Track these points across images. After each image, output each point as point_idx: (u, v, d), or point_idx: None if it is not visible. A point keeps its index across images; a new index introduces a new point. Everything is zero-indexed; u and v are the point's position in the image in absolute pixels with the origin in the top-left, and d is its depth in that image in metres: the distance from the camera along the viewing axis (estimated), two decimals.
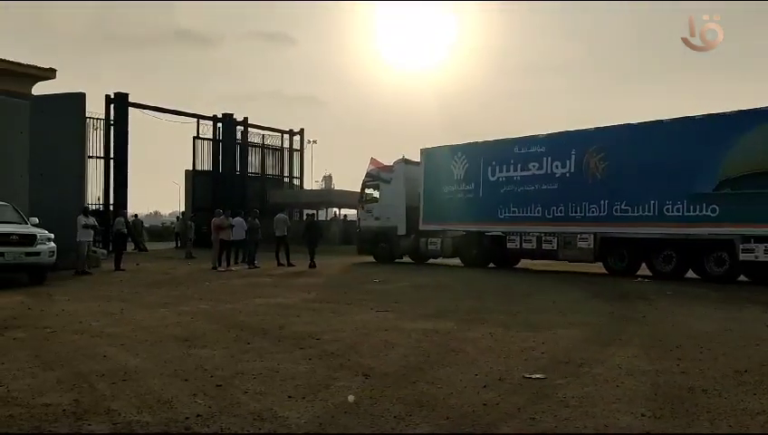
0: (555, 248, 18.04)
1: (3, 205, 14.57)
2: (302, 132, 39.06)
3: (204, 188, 33.56)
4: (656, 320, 9.62)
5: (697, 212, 15.11)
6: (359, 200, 24.16)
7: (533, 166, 18.49)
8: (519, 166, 18.86)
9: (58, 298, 11.58)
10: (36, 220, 14.60)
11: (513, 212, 18.98)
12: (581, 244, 17.35)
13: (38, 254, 13.60)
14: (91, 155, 27.33)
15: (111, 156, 28.52)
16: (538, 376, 5.86)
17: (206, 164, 34.02)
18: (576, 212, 17.47)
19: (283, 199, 34.99)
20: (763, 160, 14.33)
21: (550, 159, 18.15)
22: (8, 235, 13.24)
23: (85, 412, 4.73)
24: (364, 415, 4.74)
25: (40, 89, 22.77)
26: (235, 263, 19.86)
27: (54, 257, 14.17)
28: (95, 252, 19.83)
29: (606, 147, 17.13)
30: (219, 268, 18.54)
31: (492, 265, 20.44)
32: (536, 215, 18.39)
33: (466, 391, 5.40)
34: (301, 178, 39.79)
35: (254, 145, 36.24)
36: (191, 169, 33.97)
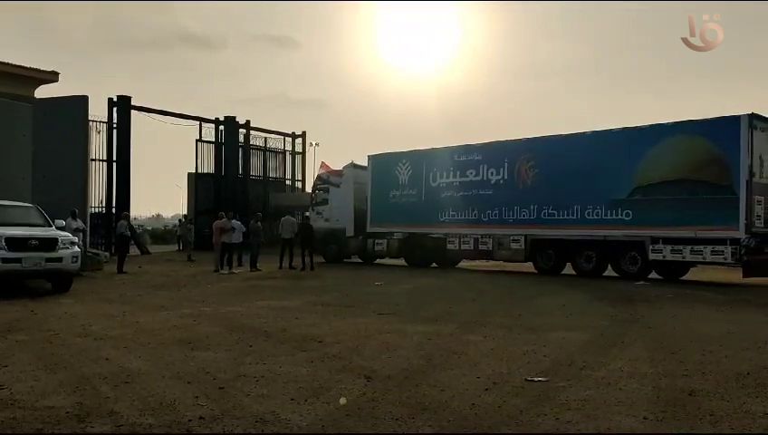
0: (490, 249, 19.32)
1: (26, 206, 13.93)
2: (304, 135, 39.14)
3: (206, 191, 33.59)
4: (658, 323, 9.62)
5: (614, 216, 16.57)
6: (310, 202, 25.15)
7: (471, 173, 19.79)
8: (458, 172, 20.16)
9: (61, 301, 11.60)
10: (63, 223, 13.89)
11: (453, 215, 20.19)
12: (514, 245, 18.66)
13: (60, 259, 12.39)
14: (93, 158, 27.38)
15: (114, 159, 28.56)
16: (540, 379, 5.87)
17: (208, 167, 34.06)
18: (509, 216, 18.77)
19: (286, 202, 35.00)
20: (669, 170, 15.84)
21: (485, 166, 19.47)
22: (26, 239, 12.11)
23: (88, 414, 4.75)
24: (366, 417, 4.75)
25: (43, 92, 22.81)
26: (238, 265, 19.86)
27: (79, 263, 13.14)
28: (98, 254, 19.86)
29: (535, 156, 18.51)
30: (221, 271, 18.55)
31: (434, 264, 21.62)
32: (473, 218, 19.61)
33: (468, 393, 5.40)
34: (303, 181, 39.85)
35: (257, 148, 36.27)
36: (193, 171, 34.01)
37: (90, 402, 5.05)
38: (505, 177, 19.01)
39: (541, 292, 14.08)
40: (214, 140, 33.86)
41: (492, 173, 19.33)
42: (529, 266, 19.19)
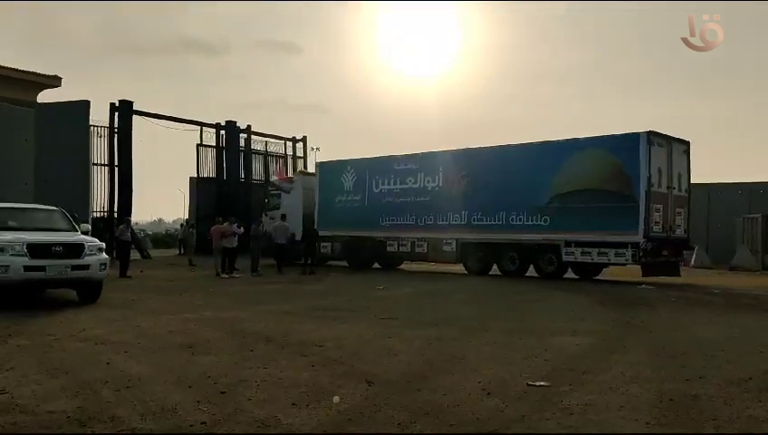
0: (426, 251, 20.76)
1: (50, 209, 13.10)
2: (304, 140, 39.09)
3: (207, 196, 33.55)
4: (660, 327, 9.61)
5: (534, 222, 18.07)
6: (263, 208, 26.02)
7: (410, 180, 21.25)
8: (398, 180, 21.63)
9: (62, 305, 11.59)
10: (88, 227, 13.21)
11: (393, 220, 21.51)
12: (446, 248, 20.05)
13: (87, 267, 11.37)
14: (95, 162, 27.39)
15: (116, 163, 28.56)
16: (542, 384, 5.86)
17: (209, 171, 34.05)
18: (442, 221, 20.12)
19: None
20: (580, 181, 17.36)
21: (423, 174, 20.93)
22: (49, 245, 11.16)
23: (89, 419, 4.74)
24: (368, 422, 4.74)
25: (45, 97, 22.89)
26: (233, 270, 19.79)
27: (107, 271, 12.19)
28: None
29: (466, 166, 19.99)
30: (223, 275, 18.55)
31: (377, 265, 22.83)
32: (411, 223, 20.92)
33: (470, 398, 5.40)
34: None
35: (258, 152, 36.26)
36: (195, 176, 34.03)
37: (91, 407, 5.05)
38: (440, 185, 20.45)
39: (542, 296, 14.06)
40: (215, 144, 33.89)
41: (428, 181, 20.81)
42: (460, 268, 20.20)
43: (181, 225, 37.61)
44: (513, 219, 18.42)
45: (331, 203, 23.22)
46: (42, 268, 10.90)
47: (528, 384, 5.84)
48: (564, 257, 17.69)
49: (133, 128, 29.06)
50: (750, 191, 28.02)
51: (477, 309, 11.82)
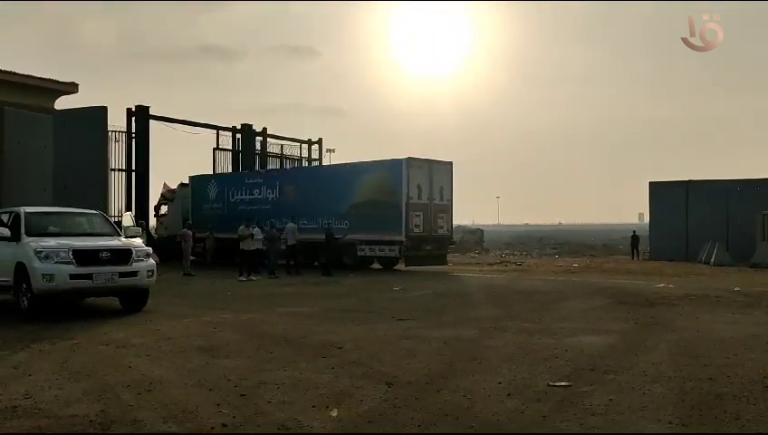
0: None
1: (91, 213, 12.65)
2: (320, 142, 39.17)
3: None
4: (681, 326, 9.51)
5: (339, 225, 22.38)
6: (155, 215, 30.15)
7: (256, 192, 26.21)
8: (248, 192, 26.56)
9: (82, 310, 11.70)
10: (139, 230, 12.87)
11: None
12: (283, 247, 22.71)
13: (135, 274, 10.86)
14: (113, 167, 27.65)
15: (133, 168, 28.86)
16: (563, 384, 5.82)
17: None
18: (280, 225, 23.12)
19: None
20: (368, 194, 22.26)
21: (265, 187, 25.94)
22: (97, 251, 10.62)
23: (111, 423, 4.78)
24: (388, 424, 4.74)
25: (63, 103, 23.08)
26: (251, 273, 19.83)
27: (155, 277, 11.57)
28: None
29: (296, 181, 25.42)
30: (240, 278, 18.64)
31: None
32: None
33: (490, 399, 5.38)
34: None
35: (274, 155, 36.41)
36: None
37: (113, 410, 5.10)
38: (278, 196, 25.16)
39: (559, 296, 13.98)
40: (231, 147, 34.08)
41: (269, 193, 25.59)
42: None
43: None
44: (325, 223, 22.28)
45: (200, 210, 27.41)
46: (89, 276, 10.36)
47: (549, 385, 5.81)
48: (359, 253, 22.17)
49: (150, 132, 29.34)
50: None
51: (495, 310, 11.77)
